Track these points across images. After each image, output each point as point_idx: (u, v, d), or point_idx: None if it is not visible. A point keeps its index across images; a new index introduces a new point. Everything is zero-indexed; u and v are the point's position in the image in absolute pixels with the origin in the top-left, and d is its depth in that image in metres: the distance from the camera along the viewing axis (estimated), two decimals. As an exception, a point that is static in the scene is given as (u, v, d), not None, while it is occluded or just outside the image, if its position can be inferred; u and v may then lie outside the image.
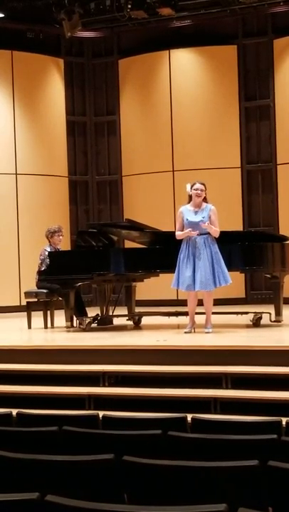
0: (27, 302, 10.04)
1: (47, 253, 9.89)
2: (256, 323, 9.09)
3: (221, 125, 13.62)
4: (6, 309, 12.64)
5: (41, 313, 9.90)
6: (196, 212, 8.47)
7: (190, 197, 8.59)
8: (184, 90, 13.75)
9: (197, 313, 8.62)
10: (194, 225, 8.37)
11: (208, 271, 8.27)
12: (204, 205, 8.51)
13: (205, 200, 8.54)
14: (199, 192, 8.47)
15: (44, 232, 10.32)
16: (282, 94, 13.34)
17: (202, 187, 8.50)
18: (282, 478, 3.18)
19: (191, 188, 8.55)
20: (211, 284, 8.31)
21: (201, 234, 8.36)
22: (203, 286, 8.29)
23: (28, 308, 9.95)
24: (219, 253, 8.38)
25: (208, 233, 8.38)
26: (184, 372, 7.09)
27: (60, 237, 10.26)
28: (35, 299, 9.99)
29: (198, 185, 8.52)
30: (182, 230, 8.46)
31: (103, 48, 14.66)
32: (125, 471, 3.40)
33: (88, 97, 14.70)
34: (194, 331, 8.55)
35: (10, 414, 4.97)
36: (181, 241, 8.46)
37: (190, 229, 8.36)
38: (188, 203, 8.59)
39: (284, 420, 4.65)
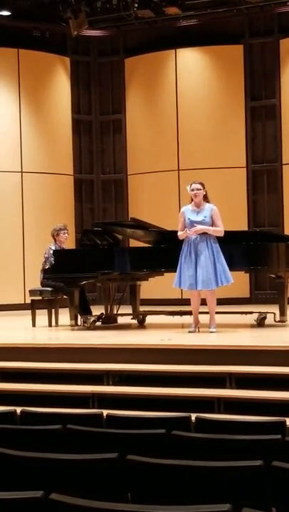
0: (31, 300, 10.06)
1: (51, 251, 9.90)
2: (260, 323, 9.09)
3: (226, 124, 13.61)
4: (10, 307, 12.66)
5: (46, 311, 9.91)
6: (197, 212, 8.48)
7: (192, 198, 8.60)
8: (189, 89, 13.75)
9: (201, 313, 8.62)
10: (196, 225, 8.37)
11: (210, 270, 8.26)
12: (205, 204, 8.51)
13: (206, 199, 8.55)
14: (196, 192, 8.48)
15: (48, 230, 10.36)
16: (288, 94, 13.33)
17: (198, 186, 8.50)
18: (286, 478, 3.18)
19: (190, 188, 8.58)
20: (213, 283, 8.30)
21: (201, 233, 8.35)
22: (205, 285, 8.28)
23: (33, 307, 9.96)
24: (221, 252, 8.37)
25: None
26: (188, 372, 7.09)
27: (66, 234, 10.27)
28: (40, 297, 10.00)
29: (194, 186, 8.53)
30: (183, 230, 8.46)
31: (109, 46, 14.66)
32: (129, 470, 3.40)
33: (94, 96, 14.71)
34: (198, 331, 8.55)
35: (14, 413, 4.96)
36: (183, 241, 8.46)
37: (189, 229, 8.36)
38: (190, 203, 8.60)
39: (288, 420, 4.65)
